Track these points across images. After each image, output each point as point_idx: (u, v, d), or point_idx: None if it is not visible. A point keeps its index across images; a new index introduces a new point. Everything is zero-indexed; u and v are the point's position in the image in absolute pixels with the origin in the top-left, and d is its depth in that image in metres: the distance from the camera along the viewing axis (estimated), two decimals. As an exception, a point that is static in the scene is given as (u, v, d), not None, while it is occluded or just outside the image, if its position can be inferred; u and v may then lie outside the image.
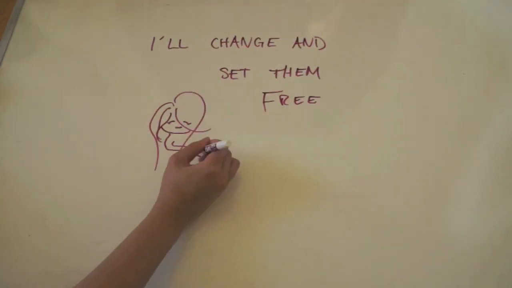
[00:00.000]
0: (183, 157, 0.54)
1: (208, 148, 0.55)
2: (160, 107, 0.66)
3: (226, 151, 0.55)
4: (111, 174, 0.61)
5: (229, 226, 0.55)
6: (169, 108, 0.66)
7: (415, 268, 0.52)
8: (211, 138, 0.57)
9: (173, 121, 0.65)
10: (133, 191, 0.59)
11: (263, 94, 0.66)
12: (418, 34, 0.70)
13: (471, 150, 0.60)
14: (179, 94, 0.67)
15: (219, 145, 0.52)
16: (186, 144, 0.62)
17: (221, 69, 0.69)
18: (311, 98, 0.65)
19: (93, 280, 0.45)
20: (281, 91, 0.66)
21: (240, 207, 0.57)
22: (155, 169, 0.61)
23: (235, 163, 0.57)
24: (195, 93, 0.67)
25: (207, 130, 0.64)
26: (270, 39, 0.71)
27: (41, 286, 0.53)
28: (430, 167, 0.59)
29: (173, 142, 0.63)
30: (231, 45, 0.71)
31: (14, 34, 0.74)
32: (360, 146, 0.61)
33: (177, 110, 0.66)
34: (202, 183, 0.51)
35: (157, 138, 0.63)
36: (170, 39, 0.72)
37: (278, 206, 0.57)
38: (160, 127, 0.64)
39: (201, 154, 0.57)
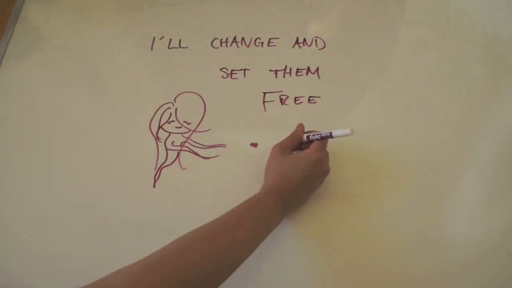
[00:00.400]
0: (286, 146, 0.55)
1: (316, 137, 0.55)
2: (160, 107, 0.66)
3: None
4: (111, 174, 0.61)
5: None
6: (169, 108, 0.66)
7: (416, 268, 0.52)
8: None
9: (173, 121, 0.65)
10: (133, 191, 0.59)
11: (263, 94, 0.66)
12: (418, 34, 0.70)
13: (472, 150, 0.60)
14: (179, 94, 0.67)
15: (339, 132, 0.52)
16: (186, 144, 0.62)
17: (221, 69, 0.69)
18: (311, 98, 0.65)
19: (193, 237, 0.43)
20: (281, 91, 0.66)
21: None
22: (155, 168, 0.61)
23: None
24: (195, 93, 0.67)
25: (207, 130, 0.64)
26: (270, 39, 0.71)
27: (41, 286, 0.53)
28: (431, 167, 0.59)
29: (173, 142, 0.63)
30: (231, 45, 0.71)
31: (14, 34, 0.74)
32: (360, 146, 0.61)
33: (177, 110, 0.66)
34: (309, 170, 0.51)
35: (157, 138, 0.63)
36: (170, 39, 0.72)
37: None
38: (160, 127, 0.64)
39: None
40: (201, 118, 0.65)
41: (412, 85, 0.65)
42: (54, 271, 0.54)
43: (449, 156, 0.59)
